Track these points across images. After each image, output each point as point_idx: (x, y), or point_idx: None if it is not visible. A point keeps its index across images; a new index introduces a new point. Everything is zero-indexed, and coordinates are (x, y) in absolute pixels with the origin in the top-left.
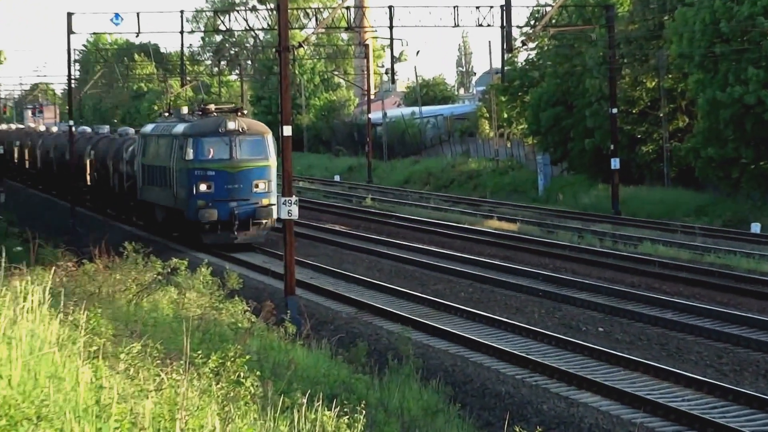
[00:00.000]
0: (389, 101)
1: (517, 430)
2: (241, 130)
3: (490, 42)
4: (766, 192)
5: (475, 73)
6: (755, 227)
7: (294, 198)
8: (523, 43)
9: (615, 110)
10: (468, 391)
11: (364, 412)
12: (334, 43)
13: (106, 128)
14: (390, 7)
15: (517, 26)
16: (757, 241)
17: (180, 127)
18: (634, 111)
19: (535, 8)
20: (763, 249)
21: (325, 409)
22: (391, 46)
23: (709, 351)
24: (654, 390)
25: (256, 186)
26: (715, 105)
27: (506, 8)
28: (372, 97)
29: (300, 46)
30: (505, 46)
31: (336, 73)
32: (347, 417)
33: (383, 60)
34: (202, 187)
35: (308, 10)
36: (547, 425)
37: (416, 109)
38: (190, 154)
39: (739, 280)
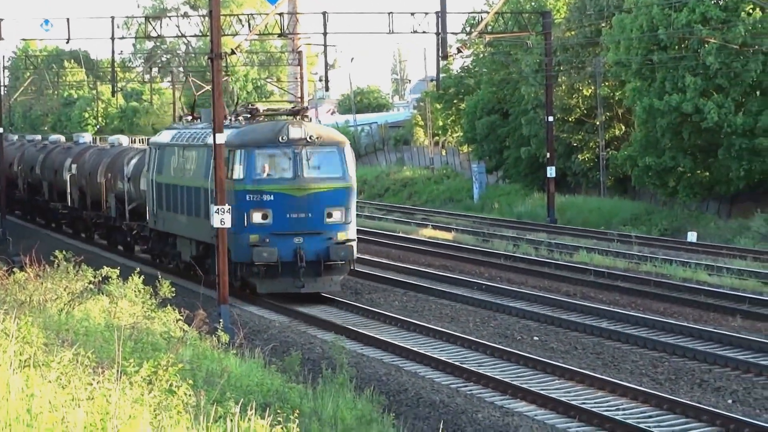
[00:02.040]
0: (323, 109)
1: None
2: (309, 139)
3: (425, 49)
4: (703, 201)
5: (409, 81)
6: (691, 236)
7: (227, 206)
8: (458, 50)
9: (551, 118)
10: (402, 401)
11: (297, 421)
12: (267, 50)
13: (86, 137)
14: (324, 14)
15: (453, 33)
16: (694, 250)
17: (225, 136)
18: (570, 119)
19: (471, 15)
20: (699, 258)
21: (258, 418)
22: (324, 53)
23: (644, 360)
24: (589, 399)
25: (330, 215)
26: (652, 113)
27: (441, 15)
28: (306, 104)
29: (233, 53)
30: (440, 54)
31: (269, 80)
32: (280, 426)
33: (317, 67)
34: (256, 217)
35: (241, 17)
36: None
37: (350, 117)
38: (238, 171)
39: (675, 289)
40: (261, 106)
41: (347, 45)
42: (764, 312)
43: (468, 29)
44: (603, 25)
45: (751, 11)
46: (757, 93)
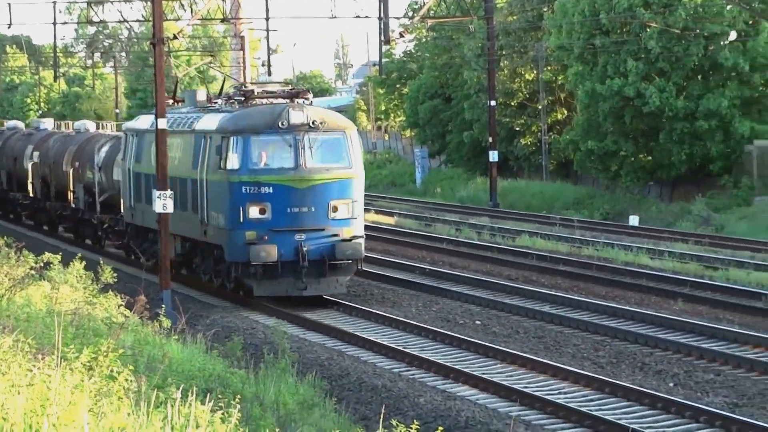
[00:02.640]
0: None
1: (394, 423)
2: (312, 124)
3: (367, 34)
4: (645, 185)
5: (351, 66)
6: (633, 220)
7: (169, 192)
8: (401, 35)
9: (493, 102)
10: (344, 385)
11: (239, 406)
12: (209, 35)
13: (46, 123)
14: None
15: (395, 18)
16: (636, 234)
17: (212, 120)
18: (512, 103)
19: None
20: (641, 242)
21: (199, 403)
22: (267, 38)
23: (586, 343)
24: (531, 383)
25: (335, 209)
26: (594, 97)
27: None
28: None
29: (175, 37)
30: (382, 38)
31: (212, 65)
32: (221, 411)
33: (259, 52)
34: (254, 212)
35: (183, 2)
36: (424, 419)
37: None
38: (233, 161)
39: (617, 272)
40: (256, 88)
41: (290, 30)
42: (705, 295)
43: (410, 13)
44: (545, 9)
45: None
46: (699, 77)
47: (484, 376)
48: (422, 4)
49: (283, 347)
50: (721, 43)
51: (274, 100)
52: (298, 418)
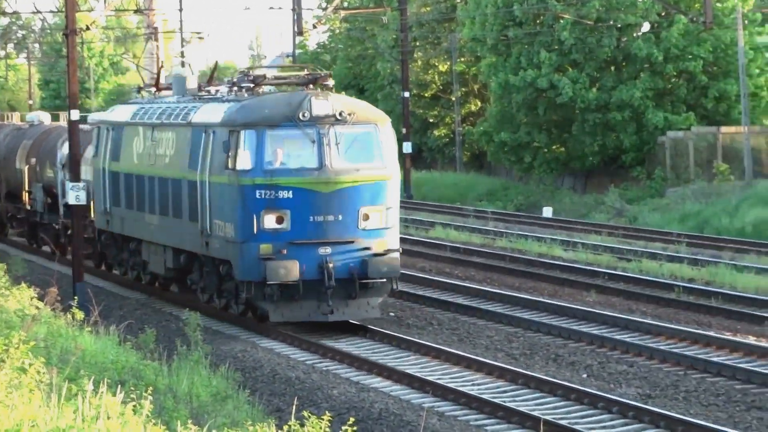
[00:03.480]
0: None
1: (306, 415)
2: (339, 116)
3: (280, 25)
4: (558, 176)
5: (265, 57)
6: (547, 211)
7: (82, 183)
8: (314, 26)
9: (407, 94)
10: (258, 377)
11: (151, 397)
12: (123, 26)
13: None
14: None
15: (308, 9)
16: (549, 226)
17: (214, 111)
18: (426, 95)
19: None
20: (554, 233)
21: (111, 395)
22: (180, 29)
23: (500, 335)
24: (444, 374)
25: (366, 217)
26: (507, 89)
27: None
28: (162, 81)
29: (88, 28)
30: (295, 30)
31: (125, 56)
32: (134, 403)
33: (173, 43)
34: (269, 221)
35: None
36: (337, 410)
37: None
38: (244, 160)
39: (531, 264)
40: (267, 72)
41: (204, 21)
42: (618, 287)
43: (324, 5)
44: (458, 1)
45: None
46: (612, 68)
47: (397, 367)
48: None
49: (195, 339)
50: (634, 34)
51: (289, 87)
52: (211, 409)
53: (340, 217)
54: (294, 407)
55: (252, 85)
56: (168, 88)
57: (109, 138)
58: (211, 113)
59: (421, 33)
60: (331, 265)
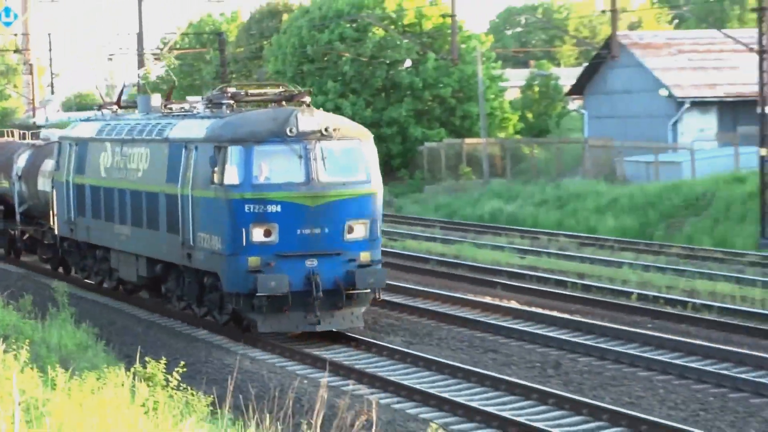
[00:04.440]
0: (52, 107)
1: (148, 360)
2: (325, 131)
3: (128, 60)
4: None
5: (115, 86)
6: None
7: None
8: (155, 62)
9: None
10: (112, 331)
11: (28, 348)
12: (5, 63)
13: None
14: (49, 35)
15: (150, 52)
16: None
17: (195, 127)
18: None
19: (164, 36)
20: None
21: None
22: (50, 65)
23: None
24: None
25: (351, 230)
26: None
27: (140, 36)
28: (36, 105)
29: None
30: (139, 66)
31: (7, 86)
32: (14, 352)
33: (45, 76)
34: (257, 234)
35: None
36: (173, 356)
37: (72, 114)
38: (232, 175)
39: None
40: (245, 90)
41: (69, 58)
42: (389, 260)
43: (162, 46)
44: (265, 42)
45: (376, 32)
46: (383, 94)
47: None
48: (170, 40)
49: (63, 303)
50: (400, 68)
51: (270, 104)
52: (75, 356)
53: (327, 230)
54: (138, 354)
55: (231, 102)
56: (129, 107)
57: (73, 153)
58: (190, 129)
59: (237, 68)
60: (318, 277)
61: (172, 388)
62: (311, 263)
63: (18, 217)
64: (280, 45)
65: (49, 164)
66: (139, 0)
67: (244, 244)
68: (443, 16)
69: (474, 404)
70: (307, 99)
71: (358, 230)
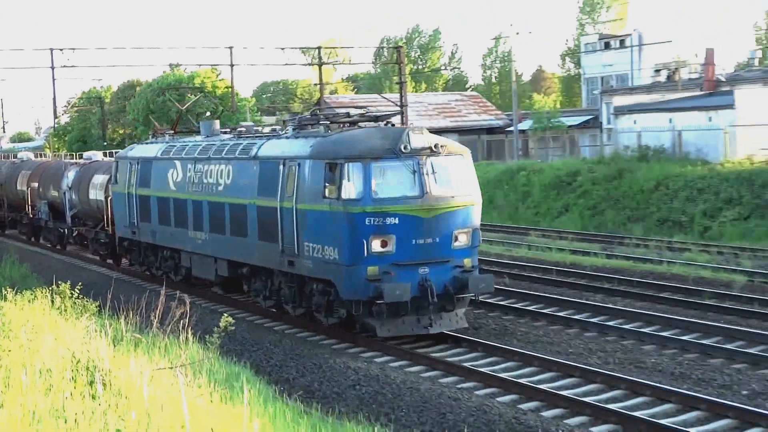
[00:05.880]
0: (4, 140)
1: (61, 283)
2: (434, 148)
3: (47, 112)
4: None
5: (41, 127)
6: None
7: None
8: (63, 112)
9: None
10: (42, 271)
11: None
12: None
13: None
14: (1, 99)
15: (61, 107)
16: None
17: (294, 145)
18: None
19: (69, 98)
20: None
21: None
22: (2, 116)
23: None
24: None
25: (456, 239)
26: None
27: (54, 99)
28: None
29: None
30: (54, 116)
31: None
32: None
33: None
34: (376, 245)
35: None
36: (92, 286)
37: (16, 144)
38: (349, 189)
39: None
40: (345, 111)
41: (13, 110)
42: None
43: (67, 104)
44: (127, 102)
45: (190, 95)
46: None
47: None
48: (71, 101)
49: (11, 252)
50: (205, 115)
51: (361, 124)
52: (21, 283)
53: (438, 240)
54: (54, 281)
55: (328, 123)
56: (189, 132)
57: (134, 169)
58: (287, 148)
59: (111, 117)
60: (432, 284)
61: (75, 300)
62: (424, 270)
63: (69, 219)
64: (135, 104)
65: (99, 178)
66: (53, 79)
67: (365, 254)
68: (227, 87)
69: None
70: (395, 119)
71: (462, 238)
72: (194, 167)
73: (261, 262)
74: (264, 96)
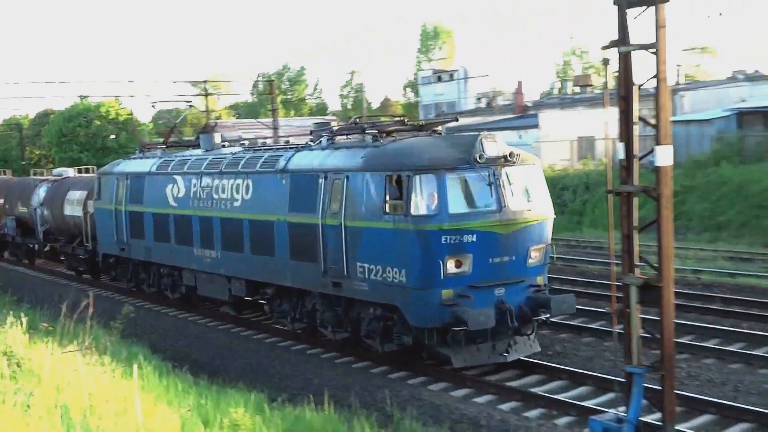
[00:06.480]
0: None
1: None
2: (509, 157)
3: None
4: None
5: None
6: None
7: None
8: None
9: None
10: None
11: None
12: None
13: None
14: None
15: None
16: None
17: (338, 157)
18: None
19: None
20: None
21: None
22: None
23: None
24: None
25: (531, 255)
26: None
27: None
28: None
29: None
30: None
31: None
32: None
33: None
34: (451, 266)
35: None
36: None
37: None
38: (419, 203)
39: None
40: (384, 120)
41: None
42: None
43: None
44: (43, 128)
45: (97, 122)
46: (101, 152)
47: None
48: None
49: None
50: (109, 138)
51: (404, 134)
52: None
53: (514, 257)
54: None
55: (376, 132)
56: (186, 145)
57: (124, 185)
58: (328, 159)
59: (29, 140)
60: (510, 306)
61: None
62: (500, 292)
63: (40, 235)
64: (50, 129)
65: (75, 194)
66: None
67: (441, 277)
68: (128, 114)
69: None
70: (440, 128)
71: (536, 255)
72: (200, 182)
73: (294, 283)
74: (160, 122)
